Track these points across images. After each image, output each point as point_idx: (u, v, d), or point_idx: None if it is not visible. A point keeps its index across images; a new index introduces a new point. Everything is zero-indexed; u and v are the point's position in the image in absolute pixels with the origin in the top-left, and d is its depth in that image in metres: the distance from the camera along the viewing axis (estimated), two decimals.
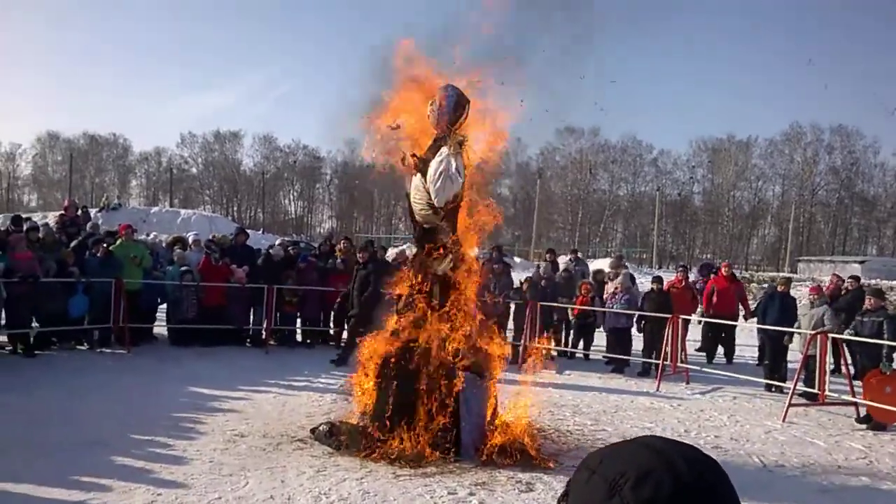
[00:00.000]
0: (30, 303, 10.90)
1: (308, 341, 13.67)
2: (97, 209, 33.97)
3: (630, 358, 12.52)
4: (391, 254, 14.46)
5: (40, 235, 12.02)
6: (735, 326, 13.63)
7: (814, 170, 70.60)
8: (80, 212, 19.02)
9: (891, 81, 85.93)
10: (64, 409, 7.90)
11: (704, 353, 13.79)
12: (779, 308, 11.43)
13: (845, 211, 71.72)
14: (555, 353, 13.31)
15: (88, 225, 15.89)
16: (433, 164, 6.97)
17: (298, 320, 13.71)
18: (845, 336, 9.87)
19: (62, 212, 14.91)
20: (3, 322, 11.01)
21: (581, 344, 13.46)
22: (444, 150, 7.01)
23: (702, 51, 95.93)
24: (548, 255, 15.81)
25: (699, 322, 14.17)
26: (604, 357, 12.96)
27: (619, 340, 12.72)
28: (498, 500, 5.69)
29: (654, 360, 11.89)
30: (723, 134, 73.80)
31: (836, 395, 9.58)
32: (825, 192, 71.95)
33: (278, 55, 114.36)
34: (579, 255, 17.35)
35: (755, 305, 13.43)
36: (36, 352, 11.02)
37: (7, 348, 11.13)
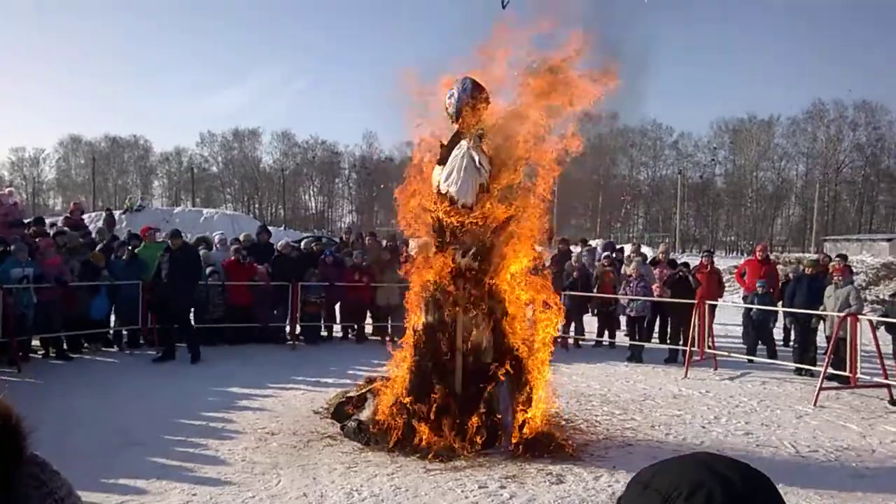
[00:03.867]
0: (58, 307, 11.07)
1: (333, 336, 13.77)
2: (121, 211, 34.28)
3: (645, 344, 12.43)
4: (413, 246, 14.44)
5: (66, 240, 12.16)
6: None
7: (838, 147, 69.47)
8: (104, 213, 19.31)
9: None
10: (95, 411, 8.02)
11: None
12: (806, 291, 11.29)
13: (871, 188, 70.49)
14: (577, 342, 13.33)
15: (116, 230, 15.98)
16: (451, 160, 6.94)
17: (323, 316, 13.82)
18: (871, 317, 9.75)
19: (67, 215, 14.71)
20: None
21: (606, 333, 13.43)
22: (464, 143, 6.97)
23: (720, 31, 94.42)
24: (560, 245, 15.68)
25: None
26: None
27: (633, 328, 12.68)
28: (529, 492, 5.70)
29: (680, 347, 11.82)
30: (744, 114, 73.08)
31: (867, 377, 9.46)
32: (850, 169, 70.78)
33: (291, 52, 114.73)
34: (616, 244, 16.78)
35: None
36: (71, 355, 11.17)
37: (39, 352, 11.32)
